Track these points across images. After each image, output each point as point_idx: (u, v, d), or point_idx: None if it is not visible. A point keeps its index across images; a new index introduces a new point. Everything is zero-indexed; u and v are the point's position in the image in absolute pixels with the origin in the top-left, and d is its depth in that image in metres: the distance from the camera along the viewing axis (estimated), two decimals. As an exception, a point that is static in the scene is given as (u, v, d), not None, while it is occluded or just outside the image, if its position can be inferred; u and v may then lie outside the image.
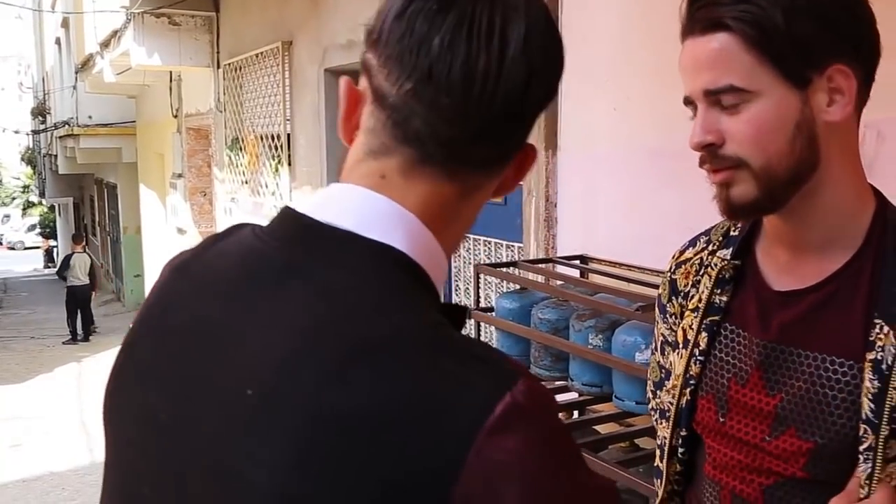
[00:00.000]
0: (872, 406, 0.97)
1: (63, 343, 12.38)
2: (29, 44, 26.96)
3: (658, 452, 1.25)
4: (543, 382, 2.66)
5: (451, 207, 0.70)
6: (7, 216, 41.66)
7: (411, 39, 0.66)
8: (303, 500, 0.58)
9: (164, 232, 11.18)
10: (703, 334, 1.14)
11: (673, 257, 1.24)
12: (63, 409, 8.00)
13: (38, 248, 30.75)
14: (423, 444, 0.58)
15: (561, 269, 3.02)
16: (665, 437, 1.20)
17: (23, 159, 30.68)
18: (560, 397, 2.77)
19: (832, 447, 1.01)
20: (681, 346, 1.18)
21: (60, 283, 14.75)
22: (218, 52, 7.75)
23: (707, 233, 1.20)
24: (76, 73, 13.08)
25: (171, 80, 9.60)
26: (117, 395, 0.75)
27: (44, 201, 27.60)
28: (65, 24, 15.86)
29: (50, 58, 19.98)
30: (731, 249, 1.13)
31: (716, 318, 1.13)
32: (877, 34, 1.00)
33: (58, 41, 17.82)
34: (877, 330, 0.98)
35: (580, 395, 2.46)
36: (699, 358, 1.14)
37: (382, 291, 0.65)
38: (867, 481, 0.97)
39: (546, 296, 2.61)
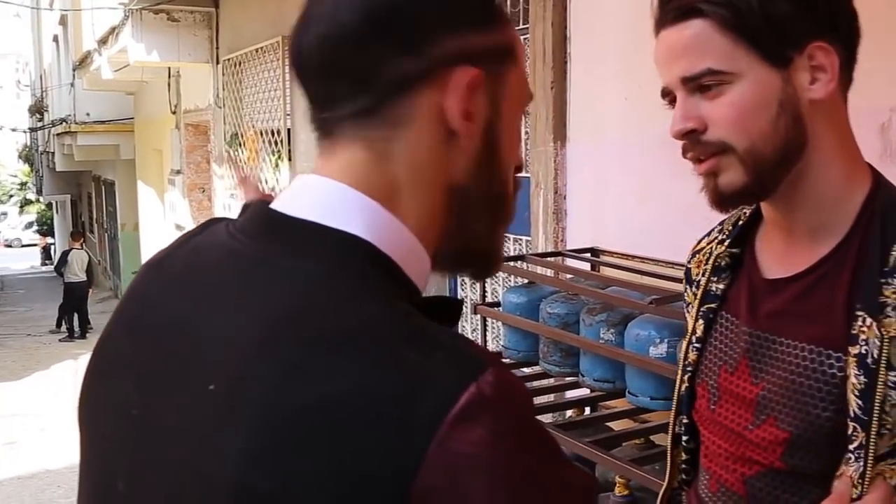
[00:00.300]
0: (860, 402, 0.93)
1: (59, 340, 12.42)
2: (27, 41, 26.98)
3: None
4: (552, 379, 2.61)
5: (382, 176, 0.68)
6: (4, 214, 41.77)
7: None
8: (265, 495, 0.57)
9: (162, 229, 11.16)
10: (700, 322, 1.13)
11: (693, 247, 1.23)
12: (59, 407, 7.96)
13: (35, 245, 30.78)
14: (384, 437, 0.56)
15: (570, 262, 2.95)
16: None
17: (20, 157, 30.63)
18: (571, 393, 2.71)
19: (807, 437, 0.98)
20: (689, 333, 1.18)
21: (58, 280, 14.83)
22: (217, 48, 7.75)
23: (722, 222, 1.19)
24: (74, 70, 13.09)
25: (169, 77, 9.59)
26: (92, 393, 0.75)
27: (41, 198, 27.62)
28: (63, 21, 15.83)
29: (48, 55, 19.97)
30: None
31: (712, 305, 1.12)
32: (854, 13, 0.98)
33: (56, 38, 17.80)
34: (859, 322, 0.94)
35: (592, 391, 2.41)
36: (696, 346, 1.14)
37: (348, 282, 0.64)
38: (860, 480, 0.93)
39: (554, 290, 2.55)
